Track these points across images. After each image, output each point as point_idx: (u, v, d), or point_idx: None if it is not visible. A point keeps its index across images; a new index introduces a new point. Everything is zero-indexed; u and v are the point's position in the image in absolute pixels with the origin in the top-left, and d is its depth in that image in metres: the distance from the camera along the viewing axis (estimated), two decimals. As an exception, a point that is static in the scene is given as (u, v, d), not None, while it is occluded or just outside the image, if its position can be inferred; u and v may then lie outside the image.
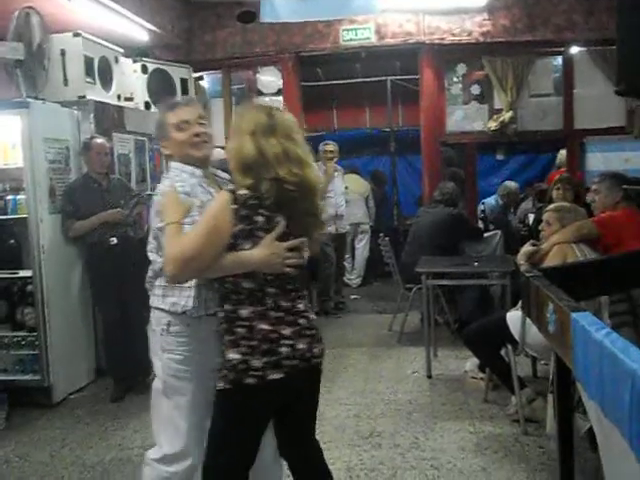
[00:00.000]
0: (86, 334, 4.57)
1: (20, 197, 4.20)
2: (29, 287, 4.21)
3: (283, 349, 1.93)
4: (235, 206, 1.88)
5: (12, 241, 4.32)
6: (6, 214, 4.25)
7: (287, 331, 1.95)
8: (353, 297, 7.21)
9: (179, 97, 2.34)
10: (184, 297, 2.12)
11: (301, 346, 1.97)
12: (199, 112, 2.29)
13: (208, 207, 1.97)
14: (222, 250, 1.88)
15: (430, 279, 4.44)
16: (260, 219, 1.91)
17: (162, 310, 2.18)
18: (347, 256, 7.56)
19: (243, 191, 1.90)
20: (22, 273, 4.22)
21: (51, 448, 3.54)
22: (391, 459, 3.22)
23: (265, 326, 1.92)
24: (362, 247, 7.86)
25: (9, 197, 4.25)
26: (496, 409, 3.78)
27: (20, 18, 4.34)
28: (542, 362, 4.01)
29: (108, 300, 4.33)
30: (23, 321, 4.28)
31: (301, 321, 2.01)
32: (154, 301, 2.22)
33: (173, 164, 2.23)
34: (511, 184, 6.93)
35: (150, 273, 2.25)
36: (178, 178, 2.16)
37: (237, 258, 1.90)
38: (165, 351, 2.18)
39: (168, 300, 2.16)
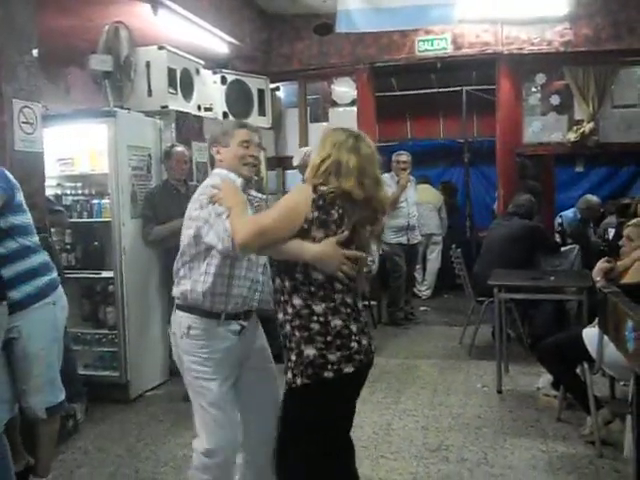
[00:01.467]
0: (161, 335, 4.73)
1: (104, 202, 4.42)
2: (110, 287, 4.42)
3: (353, 344, 2.04)
4: (315, 195, 2.00)
5: (96, 243, 4.54)
6: (91, 217, 4.48)
7: (354, 327, 2.07)
8: (423, 309, 7.14)
9: (249, 121, 2.78)
10: (200, 283, 2.30)
11: (364, 342, 2.09)
12: (260, 139, 2.57)
13: (288, 192, 2.17)
14: (293, 231, 1.99)
15: (503, 292, 4.35)
16: (335, 213, 2.01)
17: (183, 310, 2.36)
18: (418, 267, 7.50)
19: (324, 187, 2.02)
20: (104, 274, 4.43)
21: (127, 442, 3.69)
22: (459, 474, 3.17)
23: (338, 322, 2.02)
24: (434, 258, 7.79)
25: (94, 201, 4.48)
26: (570, 429, 3.65)
27: (110, 32, 4.58)
28: (621, 383, 3.85)
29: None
30: (104, 319, 4.49)
31: (362, 318, 2.13)
32: (174, 292, 2.42)
33: (217, 170, 2.46)
34: (592, 198, 6.67)
35: (177, 264, 2.42)
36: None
37: (299, 244, 2.00)
38: (186, 353, 2.34)
39: (180, 288, 2.36)
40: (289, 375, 2.07)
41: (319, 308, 2.02)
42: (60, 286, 2.99)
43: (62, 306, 2.97)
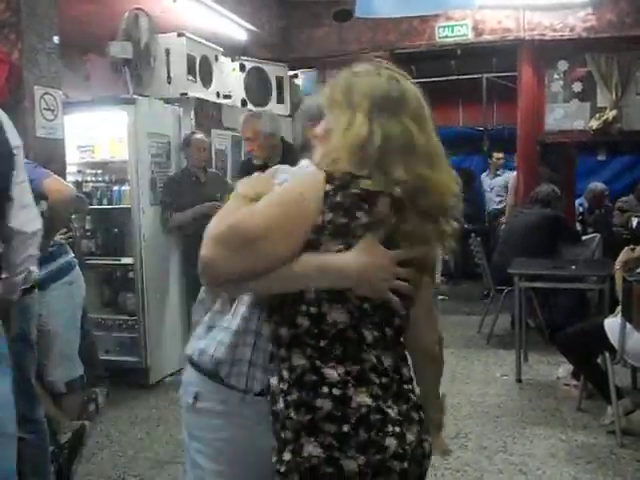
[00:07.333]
0: (180, 321, 4.76)
1: (124, 188, 4.45)
2: (130, 274, 4.45)
3: (390, 441, 1.17)
4: (330, 187, 1.17)
5: (116, 230, 4.57)
6: (111, 204, 4.52)
7: (393, 410, 1.20)
8: (440, 297, 7.10)
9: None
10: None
11: (410, 436, 1.21)
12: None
13: (291, 179, 1.30)
14: (294, 246, 1.17)
15: (523, 281, 4.32)
16: (362, 215, 1.17)
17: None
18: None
19: (344, 169, 1.19)
20: (124, 260, 4.46)
21: (147, 426, 3.73)
22: (477, 461, 3.17)
23: (366, 399, 1.17)
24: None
25: (115, 188, 4.51)
26: (590, 418, 3.62)
27: (130, 19, 4.59)
28: (642, 372, 3.82)
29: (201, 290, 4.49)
30: (124, 305, 4.54)
31: (412, 395, 1.28)
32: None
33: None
34: (596, 185, 6.73)
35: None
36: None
37: (321, 262, 1.17)
38: None
39: (198, 344, 1.49)
40: None
41: (333, 373, 1.17)
42: (77, 267, 3.09)
43: (79, 286, 3.08)
